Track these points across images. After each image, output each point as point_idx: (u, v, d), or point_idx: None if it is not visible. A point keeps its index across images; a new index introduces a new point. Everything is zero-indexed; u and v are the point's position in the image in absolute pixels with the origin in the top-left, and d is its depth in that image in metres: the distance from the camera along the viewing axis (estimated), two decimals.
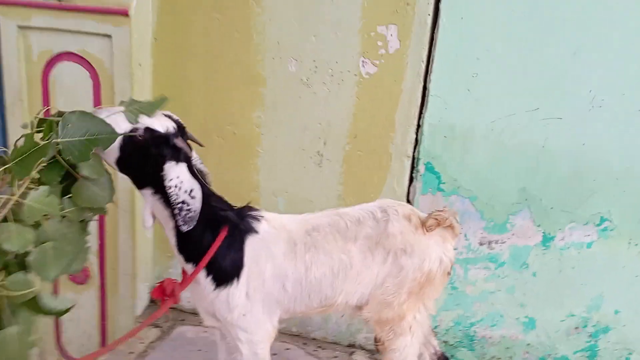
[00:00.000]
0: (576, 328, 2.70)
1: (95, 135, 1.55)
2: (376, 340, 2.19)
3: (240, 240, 1.91)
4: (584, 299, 2.65)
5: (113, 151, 1.69)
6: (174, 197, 1.71)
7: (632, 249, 2.52)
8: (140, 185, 1.82)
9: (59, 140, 1.51)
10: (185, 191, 1.72)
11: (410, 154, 2.67)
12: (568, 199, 2.53)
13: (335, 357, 2.99)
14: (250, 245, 1.92)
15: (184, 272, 1.98)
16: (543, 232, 2.60)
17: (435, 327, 2.88)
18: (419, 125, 2.63)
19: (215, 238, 1.85)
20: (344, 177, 2.78)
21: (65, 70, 2.81)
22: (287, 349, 3.03)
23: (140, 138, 1.69)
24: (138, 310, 3.19)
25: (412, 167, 2.70)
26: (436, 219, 2.03)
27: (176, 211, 1.72)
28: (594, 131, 2.42)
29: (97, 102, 2.82)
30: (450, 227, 2.07)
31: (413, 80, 2.56)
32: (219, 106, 2.83)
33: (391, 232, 1.99)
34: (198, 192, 1.75)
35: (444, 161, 2.62)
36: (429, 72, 2.54)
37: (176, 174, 1.72)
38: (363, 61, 2.60)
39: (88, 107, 2.80)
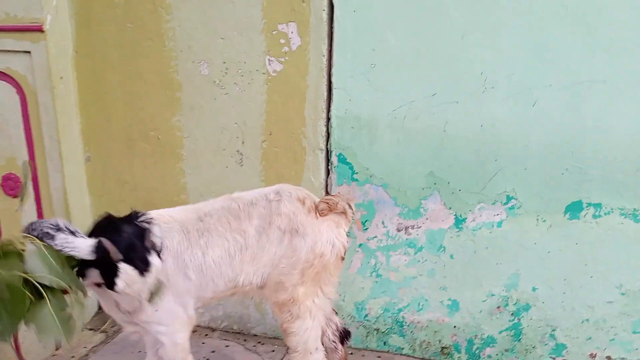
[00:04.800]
0: (498, 307, 2.73)
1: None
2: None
3: None
4: (501, 278, 2.68)
5: None
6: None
7: (541, 225, 2.55)
8: None
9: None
10: None
11: (323, 147, 2.74)
12: (473, 180, 2.57)
13: (273, 351, 3.05)
14: None
15: None
16: (455, 214, 2.65)
17: (366, 316, 2.93)
18: (328, 118, 2.70)
19: None
20: (264, 173, 2.86)
21: None
22: (227, 346, 3.09)
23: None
24: (86, 317, 3.28)
25: (327, 159, 2.77)
26: (327, 203, 2.11)
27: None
28: (489, 112, 2.47)
29: (25, 116, 2.94)
30: (343, 212, 2.14)
31: (317, 74, 2.64)
32: (141, 113, 2.93)
33: (283, 211, 2.07)
34: None
35: (354, 151, 2.69)
36: (331, 65, 2.61)
37: None
38: (269, 59, 2.68)
39: (17, 123, 2.95)
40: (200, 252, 2.01)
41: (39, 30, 2.73)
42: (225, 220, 2.05)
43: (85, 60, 2.92)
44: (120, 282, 1.75)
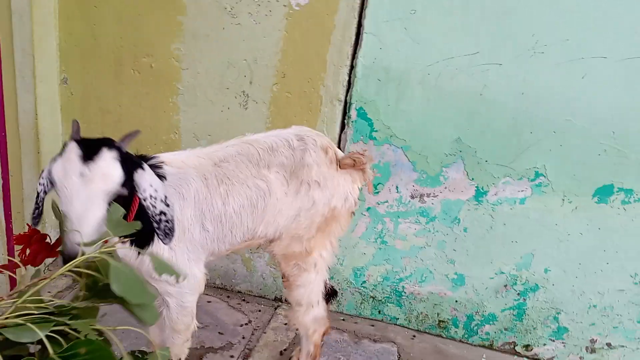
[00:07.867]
0: (505, 286, 2.61)
1: None
2: (283, 276, 2.08)
3: None
4: (514, 256, 2.55)
5: None
6: (151, 210, 1.48)
7: (566, 206, 2.42)
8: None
9: None
10: (161, 200, 1.50)
11: (342, 98, 2.47)
12: (504, 152, 2.39)
13: (259, 310, 2.85)
14: None
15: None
16: (476, 186, 2.47)
17: (363, 282, 2.76)
18: (352, 67, 2.41)
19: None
20: (270, 119, 2.56)
21: None
22: (209, 301, 2.86)
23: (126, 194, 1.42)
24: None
25: (344, 112, 2.50)
26: (353, 160, 1.95)
27: (155, 225, 1.49)
28: (534, 80, 2.26)
29: None
30: (363, 171, 1.99)
31: (347, 14, 2.33)
32: (134, 34, 2.53)
33: (307, 162, 1.86)
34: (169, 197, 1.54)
35: (377, 107, 2.43)
36: (365, 6, 2.30)
37: (148, 182, 1.48)
38: None
39: None
40: (221, 201, 1.75)
41: None
42: (245, 166, 1.80)
43: None
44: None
